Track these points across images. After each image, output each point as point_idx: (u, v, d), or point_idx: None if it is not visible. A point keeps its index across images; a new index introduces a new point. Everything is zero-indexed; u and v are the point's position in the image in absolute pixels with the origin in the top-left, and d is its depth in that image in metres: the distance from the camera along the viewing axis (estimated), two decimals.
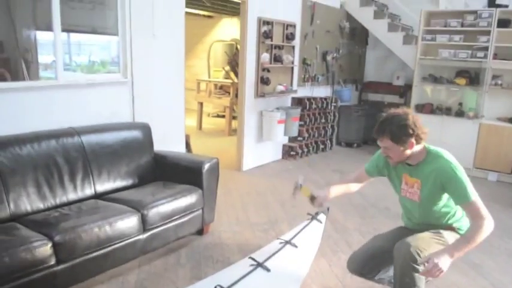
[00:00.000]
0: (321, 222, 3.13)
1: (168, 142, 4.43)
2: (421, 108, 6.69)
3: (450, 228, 2.50)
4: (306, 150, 6.99)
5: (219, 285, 2.03)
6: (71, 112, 3.67)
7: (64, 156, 3.30)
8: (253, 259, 2.42)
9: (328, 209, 3.40)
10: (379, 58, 8.50)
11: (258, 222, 4.18)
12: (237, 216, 4.34)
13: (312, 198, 2.70)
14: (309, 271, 3.22)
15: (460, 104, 6.51)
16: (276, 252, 2.55)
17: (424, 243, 2.34)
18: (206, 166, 3.62)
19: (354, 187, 2.93)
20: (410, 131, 2.30)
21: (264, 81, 5.95)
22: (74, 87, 3.70)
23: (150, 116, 4.22)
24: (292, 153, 6.74)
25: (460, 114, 6.41)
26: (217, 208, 3.95)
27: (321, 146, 7.37)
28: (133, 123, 4.09)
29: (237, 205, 4.65)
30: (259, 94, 5.93)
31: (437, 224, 2.51)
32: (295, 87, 6.68)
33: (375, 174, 2.78)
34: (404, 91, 7.91)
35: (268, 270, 2.32)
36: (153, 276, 3.14)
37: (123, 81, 4.09)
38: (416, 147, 2.37)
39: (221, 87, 9.07)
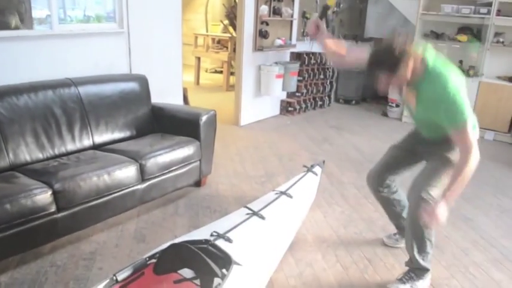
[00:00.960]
0: (316, 175, 3.18)
1: (165, 95, 4.40)
2: None
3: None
4: (304, 106, 6.97)
5: (215, 232, 2.08)
6: (68, 63, 3.63)
7: (61, 107, 3.29)
8: (249, 208, 2.47)
9: (323, 162, 3.46)
10: (380, 13, 8.32)
11: (255, 175, 4.23)
12: (235, 169, 4.39)
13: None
14: (305, 222, 3.30)
15: (461, 61, 6.44)
16: (272, 202, 2.59)
17: (433, 181, 2.41)
18: (203, 118, 3.62)
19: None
20: (402, 60, 2.15)
21: (263, 34, 5.86)
22: (69, 37, 3.64)
23: (148, 68, 4.17)
24: (290, 108, 6.73)
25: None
26: (215, 161, 3.98)
27: (319, 102, 7.34)
28: (131, 74, 4.06)
29: (235, 159, 4.68)
30: (258, 48, 5.85)
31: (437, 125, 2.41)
32: (294, 41, 6.58)
33: None
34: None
35: (263, 218, 2.37)
36: (152, 225, 3.20)
37: (119, 32, 4.01)
38: (412, 62, 2.20)
39: (219, 42, 8.93)
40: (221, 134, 5.24)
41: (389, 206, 2.96)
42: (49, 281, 2.49)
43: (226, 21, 8.95)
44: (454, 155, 2.38)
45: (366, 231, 3.28)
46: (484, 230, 3.40)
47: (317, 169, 3.24)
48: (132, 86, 3.84)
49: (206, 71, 10.21)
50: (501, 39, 6.08)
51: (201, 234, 2.16)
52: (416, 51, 2.23)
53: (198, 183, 3.84)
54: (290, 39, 6.50)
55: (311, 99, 7.14)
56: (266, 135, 5.64)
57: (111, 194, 2.92)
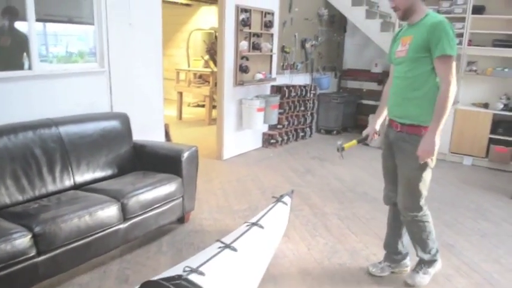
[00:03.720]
0: (286, 204, 3.30)
1: (147, 131, 4.43)
2: None
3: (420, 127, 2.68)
4: (285, 138, 7.05)
5: (187, 266, 2.09)
6: (48, 103, 3.64)
7: (42, 147, 3.27)
8: (221, 242, 2.50)
9: (292, 192, 3.57)
10: (357, 45, 8.58)
11: (238, 209, 4.23)
12: (218, 203, 4.38)
13: (363, 140, 3.18)
14: (289, 255, 3.31)
15: None
16: (243, 233, 2.65)
17: (416, 194, 2.77)
18: (185, 154, 3.64)
19: None
20: None
21: (243, 69, 5.96)
22: (50, 78, 3.66)
23: (129, 106, 4.21)
24: (272, 141, 6.79)
25: None
26: (198, 196, 3.98)
27: (301, 134, 7.44)
28: (112, 113, 4.08)
29: (218, 193, 4.69)
30: (238, 82, 5.94)
31: (414, 99, 2.68)
32: (274, 75, 6.71)
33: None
34: (383, 78, 8.00)
35: (235, 250, 2.40)
36: (135, 264, 3.16)
37: (100, 71, 4.06)
38: (420, 4, 2.63)
39: (200, 77, 9.04)
40: (204, 168, 5.25)
41: (397, 224, 3.07)
42: None
43: (206, 57, 9.10)
44: (415, 164, 2.69)
45: (350, 261, 3.29)
46: (466, 256, 3.44)
47: (286, 199, 3.37)
48: (113, 124, 3.85)
49: (189, 105, 10.29)
50: (474, 68, 6.30)
51: (175, 270, 2.18)
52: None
53: (181, 220, 3.82)
54: (270, 73, 6.63)
55: (292, 131, 7.23)
56: (249, 168, 5.67)
57: (92, 234, 2.88)
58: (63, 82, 3.76)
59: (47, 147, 3.30)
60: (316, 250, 3.47)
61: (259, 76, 6.29)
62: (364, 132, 3.17)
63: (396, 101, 2.79)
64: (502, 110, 6.05)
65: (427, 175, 2.75)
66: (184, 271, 2.08)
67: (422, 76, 2.62)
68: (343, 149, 3.12)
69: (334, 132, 7.97)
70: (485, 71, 6.24)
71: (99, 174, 3.59)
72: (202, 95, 8.82)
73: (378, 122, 3.12)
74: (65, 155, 3.40)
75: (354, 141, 3.14)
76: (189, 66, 9.67)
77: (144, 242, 3.47)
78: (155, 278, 2.08)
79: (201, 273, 2.08)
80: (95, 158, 3.59)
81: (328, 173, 5.56)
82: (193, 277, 2.04)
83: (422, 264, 2.99)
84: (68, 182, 3.38)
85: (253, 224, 2.81)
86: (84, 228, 2.82)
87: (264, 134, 6.82)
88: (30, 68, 3.55)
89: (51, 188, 3.27)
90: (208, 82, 8.58)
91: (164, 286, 1.89)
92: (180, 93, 8.90)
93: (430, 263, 2.99)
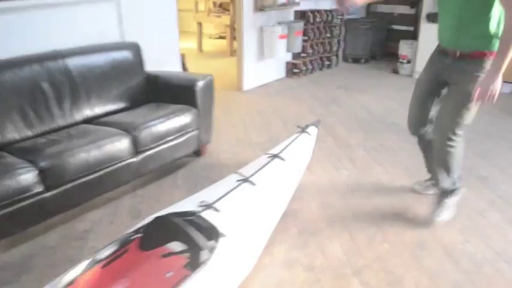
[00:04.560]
0: (310, 135, 3.04)
1: (162, 62, 4.21)
2: (433, 18, 6.27)
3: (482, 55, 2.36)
4: (310, 67, 6.70)
5: (203, 201, 1.95)
6: (55, 34, 3.42)
7: (49, 81, 3.11)
8: (240, 174, 2.35)
9: (318, 121, 3.31)
10: None
11: (258, 142, 4.05)
12: (237, 136, 4.21)
13: None
14: (309, 188, 3.15)
15: None
16: (263, 166, 2.46)
17: (457, 119, 2.48)
18: (200, 84, 3.42)
19: None
20: None
21: None
22: (54, 7, 3.42)
23: (141, 36, 3.95)
24: (295, 70, 6.47)
25: None
26: (216, 129, 3.81)
27: (327, 62, 7.06)
28: (122, 43, 3.83)
29: (238, 125, 4.50)
30: (259, 7, 5.55)
31: (473, 30, 2.34)
32: None
33: None
34: (416, 0, 7.42)
35: (253, 184, 2.23)
36: (148, 199, 3.07)
37: None
38: None
39: (220, 5, 8.61)
40: (223, 100, 5.07)
41: (430, 150, 2.83)
42: (40, 264, 2.38)
43: None
44: (472, 86, 2.34)
45: (374, 195, 3.11)
46: (501, 189, 3.19)
47: (312, 129, 3.10)
48: (124, 55, 3.63)
49: (210, 37, 9.93)
50: None
51: (190, 203, 2.05)
52: None
53: (197, 153, 3.68)
54: None
55: (318, 60, 6.86)
56: (271, 99, 5.42)
57: (103, 169, 2.77)
58: (68, 12, 3.51)
59: (54, 81, 3.14)
60: (339, 183, 3.29)
61: (282, 0, 5.86)
62: None
63: (452, 34, 2.43)
64: None
65: (475, 107, 2.45)
66: (199, 206, 1.97)
67: (483, 8, 2.25)
68: None
69: (362, 60, 7.55)
70: None
71: (110, 107, 3.44)
72: (223, 24, 8.43)
73: None
74: (74, 88, 3.24)
75: None
76: None
77: (159, 176, 3.37)
78: (169, 210, 1.98)
79: (216, 210, 1.96)
80: (105, 91, 3.42)
81: (355, 102, 5.27)
82: (207, 213, 1.92)
83: (446, 193, 2.78)
84: (78, 116, 3.25)
85: (275, 156, 2.62)
86: (93, 162, 2.71)
87: (287, 63, 6.48)
88: None
89: (61, 122, 3.15)
90: (229, 11, 8.16)
91: (177, 223, 1.80)
92: (200, 24, 8.52)
93: (454, 191, 2.78)
